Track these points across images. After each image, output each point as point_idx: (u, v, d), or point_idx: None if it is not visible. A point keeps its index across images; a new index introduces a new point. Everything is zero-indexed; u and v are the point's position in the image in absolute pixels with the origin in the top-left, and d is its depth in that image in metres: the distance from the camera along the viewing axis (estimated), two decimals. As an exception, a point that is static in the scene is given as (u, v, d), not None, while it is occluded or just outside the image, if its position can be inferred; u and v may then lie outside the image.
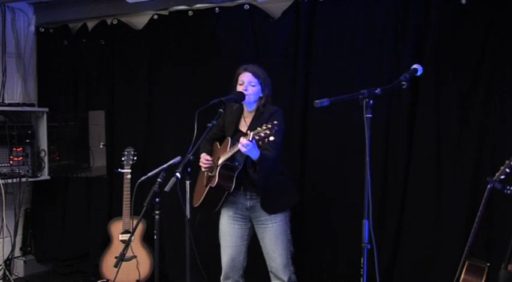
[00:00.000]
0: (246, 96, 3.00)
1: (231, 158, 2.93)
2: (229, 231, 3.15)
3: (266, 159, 2.84)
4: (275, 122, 2.60)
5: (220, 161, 2.97)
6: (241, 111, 3.15)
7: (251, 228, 3.17)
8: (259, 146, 2.68)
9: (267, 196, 3.02)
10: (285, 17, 3.91)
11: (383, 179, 3.58)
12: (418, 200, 3.48)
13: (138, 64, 4.58)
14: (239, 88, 3.04)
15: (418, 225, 3.47)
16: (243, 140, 2.68)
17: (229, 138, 3.04)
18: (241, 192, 3.07)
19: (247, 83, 3.02)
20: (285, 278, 3.08)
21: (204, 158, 3.10)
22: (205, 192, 3.04)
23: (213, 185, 2.94)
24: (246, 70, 3.06)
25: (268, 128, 2.58)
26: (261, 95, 3.06)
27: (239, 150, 2.76)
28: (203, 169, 3.13)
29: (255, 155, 2.76)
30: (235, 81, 3.09)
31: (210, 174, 3.07)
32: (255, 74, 3.03)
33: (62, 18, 4.83)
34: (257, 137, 2.60)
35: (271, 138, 2.57)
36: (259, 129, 2.61)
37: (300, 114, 3.82)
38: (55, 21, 4.89)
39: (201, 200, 3.07)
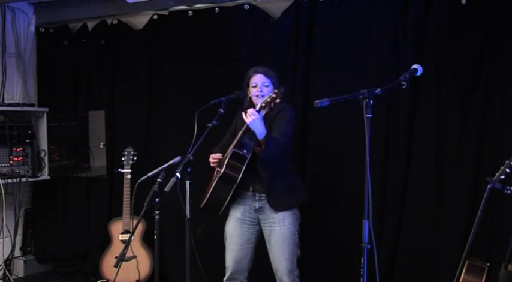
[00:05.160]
0: (260, 97, 2.98)
1: (240, 145, 2.91)
2: (236, 233, 3.12)
3: (272, 141, 2.82)
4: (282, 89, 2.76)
5: (230, 148, 2.96)
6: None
7: (259, 232, 3.14)
8: (264, 115, 2.79)
9: (274, 192, 2.99)
10: (285, 17, 3.91)
11: (383, 179, 3.58)
12: (418, 200, 3.48)
13: (138, 64, 4.58)
14: (253, 91, 3.05)
15: (418, 225, 3.48)
16: (250, 109, 2.73)
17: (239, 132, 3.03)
18: (249, 193, 3.06)
19: (261, 84, 3.04)
20: None
21: (214, 155, 3.11)
22: (212, 187, 2.99)
23: (220, 175, 2.91)
24: (257, 72, 3.09)
25: (275, 93, 2.73)
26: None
27: (246, 132, 2.80)
28: (212, 164, 3.10)
29: (260, 131, 2.77)
30: (246, 85, 3.12)
31: (219, 169, 3.04)
32: (266, 74, 3.06)
33: (62, 18, 4.83)
34: (263, 104, 2.73)
35: (278, 100, 2.74)
36: (266, 98, 2.75)
37: (300, 114, 3.81)
38: (55, 21, 4.89)
39: (207, 196, 3.02)
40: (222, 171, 2.90)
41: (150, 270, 4.11)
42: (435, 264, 3.42)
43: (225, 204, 3.02)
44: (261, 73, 3.07)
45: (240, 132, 2.90)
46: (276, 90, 2.74)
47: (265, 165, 2.94)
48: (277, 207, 3.01)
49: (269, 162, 2.93)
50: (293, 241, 3.06)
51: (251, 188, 3.04)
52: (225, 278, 3.17)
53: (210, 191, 3.01)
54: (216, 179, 2.97)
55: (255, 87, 3.05)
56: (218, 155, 3.11)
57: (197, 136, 2.76)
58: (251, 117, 2.72)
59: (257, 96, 3.03)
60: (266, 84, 3.04)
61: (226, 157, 2.95)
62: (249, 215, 3.10)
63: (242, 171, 2.91)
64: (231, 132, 3.22)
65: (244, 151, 2.92)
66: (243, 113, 2.77)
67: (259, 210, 3.07)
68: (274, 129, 2.94)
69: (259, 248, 3.17)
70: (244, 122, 3.04)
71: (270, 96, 2.73)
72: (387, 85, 2.45)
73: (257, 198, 3.05)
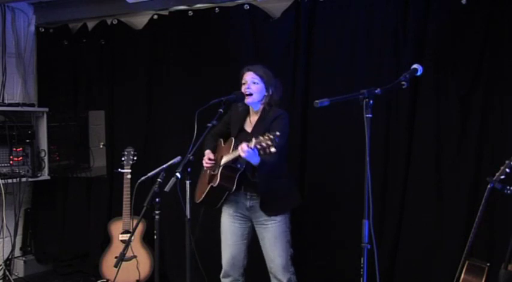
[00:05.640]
0: (249, 96, 3.01)
1: (234, 160, 2.93)
2: (229, 229, 3.17)
3: (265, 165, 2.84)
4: (277, 133, 2.56)
5: (222, 162, 2.97)
6: (247, 110, 3.17)
7: (251, 227, 3.17)
8: (260, 154, 2.68)
9: (267, 198, 3.02)
10: (284, 17, 3.91)
11: (383, 179, 3.58)
12: (418, 200, 3.48)
13: (138, 64, 4.58)
14: (242, 87, 3.06)
15: (418, 225, 3.48)
16: (244, 146, 2.67)
17: (233, 139, 3.04)
18: (241, 191, 3.08)
19: (250, 81, 3.05)
20: (284, 280, 3.08)
21: (207, 157, 3.12)
22: (206, 191, 3.04)
23: (215, 185, 2.95)
24: (248, 70, 3.09)
25: (270, 139, 2.55)
26: (265, 94, 3.06)
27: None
28: (205, 168, 3.15)
29: (255, 161, 2.78)
30: (240, 83, 3.11)
31: (212, 172, 3.08)
32: (257, 73, 3.06)
33: (62, 18, 4.83)
34: (259, 146, 2.59)
35: (273, 149, 2.54)
36: (261, 138, 2.58)
37: (300, 114, 3.82)
38: (55, 21, 4.89)
39: (202, 197, 3.08)
40: (217, 183, 2.93)
41: (150, 270, 4.11)
42: (435, 264, 3.41)
43: (220, 204, 3.09)
44: (250, 70, 3.08)
45: (235, 154, 2.85)
46: (272, 137, 2.55)
47: (259, 179, 2.95)
48: (268, 213, 3.05)
49: (263, 177, 2.94)
50: (285, 238, 3.09)
51: (243, 188, 3.06)
52: (220, 275, 3.21)
53: (204, 195, 3.05)
54: (210, 186, 3.00)
55: (244, 84, 3.07)
56: (211, 156, 3.12)
57: (197, 136, 2.76)
58: (245, 153, 2.68)
59: (245, 94, 3.04)
60: (255, 81, 3.04)
61: (219, 166, 2.97)
62: (241, 212, 3.14)
63: (235, 182, 2.94)
64: (224, 123, 3.24)
65: (238, 166, 2.95)
66: (239, 148, 2.71)
67: (250, 209, 3.10)
68: None
69: (256, 246, 3.18)
70: (239, 120, 3.12)
71: (266, 140, 2.56)
72: (387, 85, 2.45)
73: (248, 197, 3.08)
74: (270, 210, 3.04)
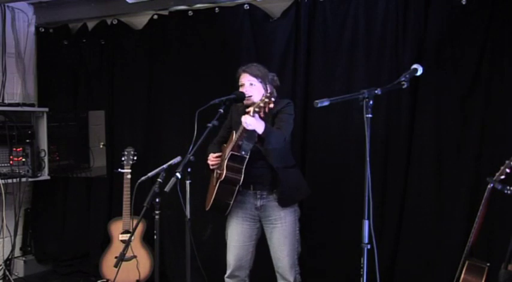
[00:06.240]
0: (248, 97, 3.01)
1: (237, 148, 2.92)
2: (237, 230, 3.13)
3: (274, 132, 2.84)
4: (273, 92, 2.73)
5: (227, 152, 2.96)
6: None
7: (259, 229, 3.16)
8: (263, 119, 2.76)
9: (283, 189, 3.00)
10: (284, 17, 3.91)
11: (383, 179, 3.58)
12: (418, 200, 3.48)
13: (138, 64, 4.58)
14: (240, 89, 3.06)
15: (418, 225, 3.48)
16: (244, 117, 2.73)
17: (234, 131, 3.03)
18: (251, 191, 3.06)
19: (247, 83, 3.04)
20: (291, 279, 3.06)
21: (212, 156, 3.12)
22: (215, 190, 3.01)
23: (222, 179, 2.93)
24: (244, 71, 3.09)
25: (266, 97, 2.70)
26: (264, 94, 3.05)
27: (243, 134, 2.80)
28: (211, 166, 3.14)
29: (259, 126, 2.76)
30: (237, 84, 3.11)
31: (218, 171, 3.07)
32: (253, 74, 3.05)
33: (62, 18, 4.83)
34: (257, 109, 2.70)
35: (271, 105, 2.70)
36: (258, 102, 2.73)
37: (300, 114, 3.81)
38: (55, 21, 4.89)
39: (212, 199, 3.03)
40: (224, 175, 2.91)
41: (150, 270, 4.11)
42: (435, 264, 3.42)
43: (231, 205, 3.03)
44: (246, 72, 3.07)
45: (237, 135, 2.90)
46: (268, 95, 2.70)
47: (277, 161, 2.95)
48: (283, 204, 3.03)
49: (277, 155, 2.94)
50: (294, 237, 3.09)
51: (252, 187, 3.05)
52: (226, 275, 3.18)
53: (214, 194, 3.02)
54: (218, 183, 2.98)
55: (241, 86, 3.06)
56: (216, 156, 3.12)
57: (197, 136, 2.76)
58: (248, 121, 2.72)
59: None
60: (251, 83, 3.03)
61: (224, 160, 2.96)
62: (250, 213, 3.11)
63: (243, 172, 2.92)
64: (225, 128, 3.24)
65: (243, 153, 2.93)
66: (242, 121, 2.77)
67: (260, 208, 3.08)
68: (277, 123, 2.96)
69: (261, 245, 3.18)
70: (239, 121, 3.05)
71: (263, 101, 2.69)
72: (387, 85, 2.45)
73: (258, 196, 3.07)
74: (285, 201, 3.02)
